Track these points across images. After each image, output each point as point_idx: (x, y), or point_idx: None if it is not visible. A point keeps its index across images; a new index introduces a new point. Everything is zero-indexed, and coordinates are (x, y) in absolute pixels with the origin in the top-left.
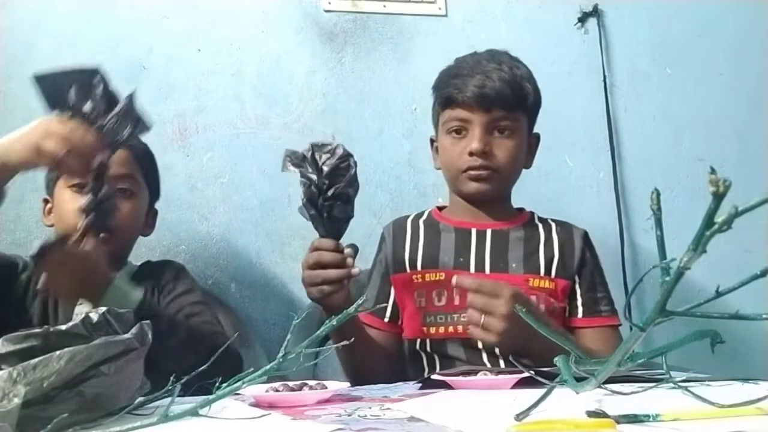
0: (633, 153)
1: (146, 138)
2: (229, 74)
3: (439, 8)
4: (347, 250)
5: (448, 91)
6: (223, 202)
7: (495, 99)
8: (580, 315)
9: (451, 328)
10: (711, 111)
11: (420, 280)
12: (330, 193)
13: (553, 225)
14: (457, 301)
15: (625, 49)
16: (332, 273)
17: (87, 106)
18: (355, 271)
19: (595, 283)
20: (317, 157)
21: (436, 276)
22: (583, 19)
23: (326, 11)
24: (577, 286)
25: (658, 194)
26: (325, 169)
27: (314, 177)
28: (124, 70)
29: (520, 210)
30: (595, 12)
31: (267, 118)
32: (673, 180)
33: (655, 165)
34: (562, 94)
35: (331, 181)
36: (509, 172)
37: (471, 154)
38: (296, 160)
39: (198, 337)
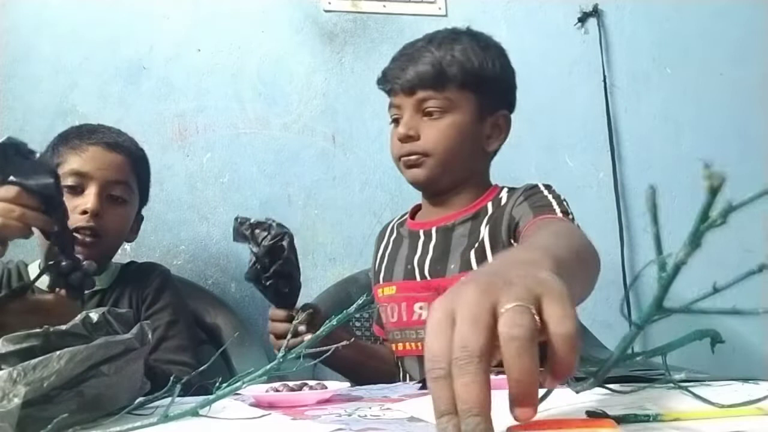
0: (633, 153)
1: (146, 138)
2: (229, 74)
3: (439, 8)
4: (301, 316)
5: (379, 78)
6: (223, 202)
7: (414, 81)
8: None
9: (408, 345)
10: (711, 111)
11: (381, 294)
12: (271, 271)
13: (504, 199)
14: (405, 318)
15: (625, 49)
16: (285, 343)
17: (9, 174)
18: (307, 338)
19: (532, 201)
20: (256, 234)
21: (390, 290)
22: (583, 19)
23: (326, 11)
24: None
25: (654, 191)
26: (263, 249)
27: (258, 254)
28: (124, 70)
29: (489, 193)
30: (595, 12)
31: (267, 118)
32: (673, 180)
33: (655, 165)
34: (562, 94)
35: (271, 258)
36: (443, 155)
37: (398, 138)
38: (241, 237)
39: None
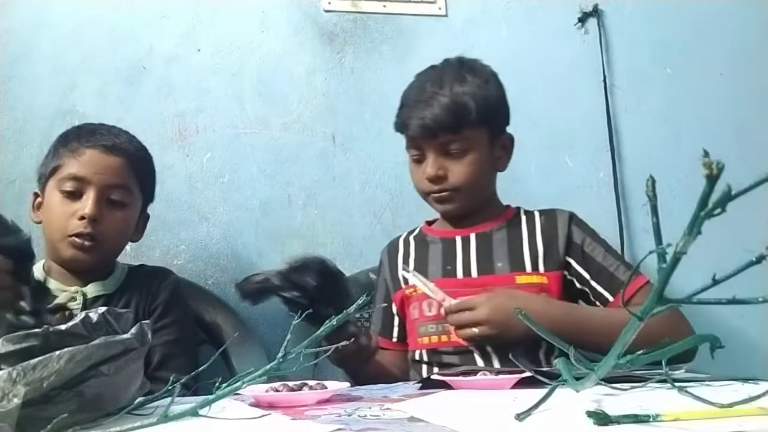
0: (633, 153)
1: (146, 138)
2: (229, 74)
3: (439, 8)
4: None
5: (397, 123)
6: (223, 202)
7: (436, 128)
8: (610, 298)
9: (444, 337)
10: (711, 111)
11: (413, 293)
12: (322, 306)
13: (538, 217)
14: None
15: (625, 49)
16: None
17: None
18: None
19: (601, 260)
20: (294, 278)
21: None
22: (583, 19)
23: (326, 11)
24: (583, 272)
25: (654, 181)
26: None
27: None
28: (124, 70)
29: (507, 207)
30: (595, 12)
31: (267, 118)
32: (673, 180)
33: (655, 165)
34: (562, 94)
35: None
36: (471, 188)
37: (428, 179)
38: (257, 293)
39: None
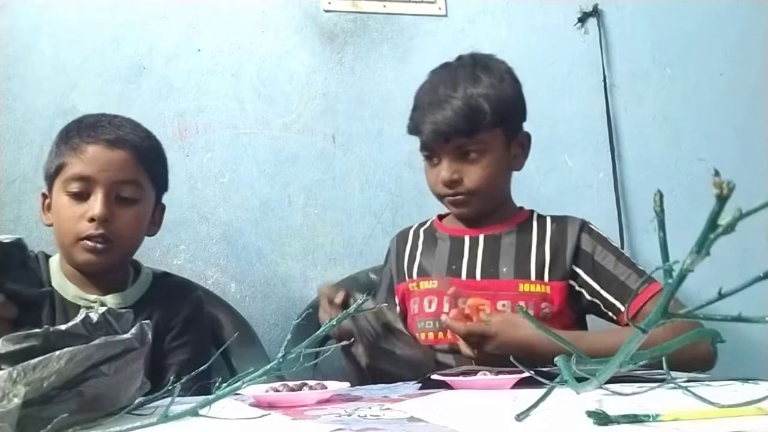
0: (633, 153)
1: None
2: (229, 74)
3: (439, 8)
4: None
5: (410, 126)
6: (223, 202)
7: (450, 132)
8: (621, 308)
9: (440, 334)
10: (711, 111)
11: (416, 288)
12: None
13: (549, 224)
14: (446, 309)
15: (625, 49)
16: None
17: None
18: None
19: (612, 269)
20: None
21: (429, 284)
22: (583, 19)
23: (326, 11)
24: (592, 283)
25: (662, 196)
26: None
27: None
28: (124, 70)
29: (520, 209)
30: (595, 12)
31: (267, 118)
32: (673, 180)
33: (655, 165)
34: (562, 94)
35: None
36: (486, 191)
37: (443, 183)
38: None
39: None
